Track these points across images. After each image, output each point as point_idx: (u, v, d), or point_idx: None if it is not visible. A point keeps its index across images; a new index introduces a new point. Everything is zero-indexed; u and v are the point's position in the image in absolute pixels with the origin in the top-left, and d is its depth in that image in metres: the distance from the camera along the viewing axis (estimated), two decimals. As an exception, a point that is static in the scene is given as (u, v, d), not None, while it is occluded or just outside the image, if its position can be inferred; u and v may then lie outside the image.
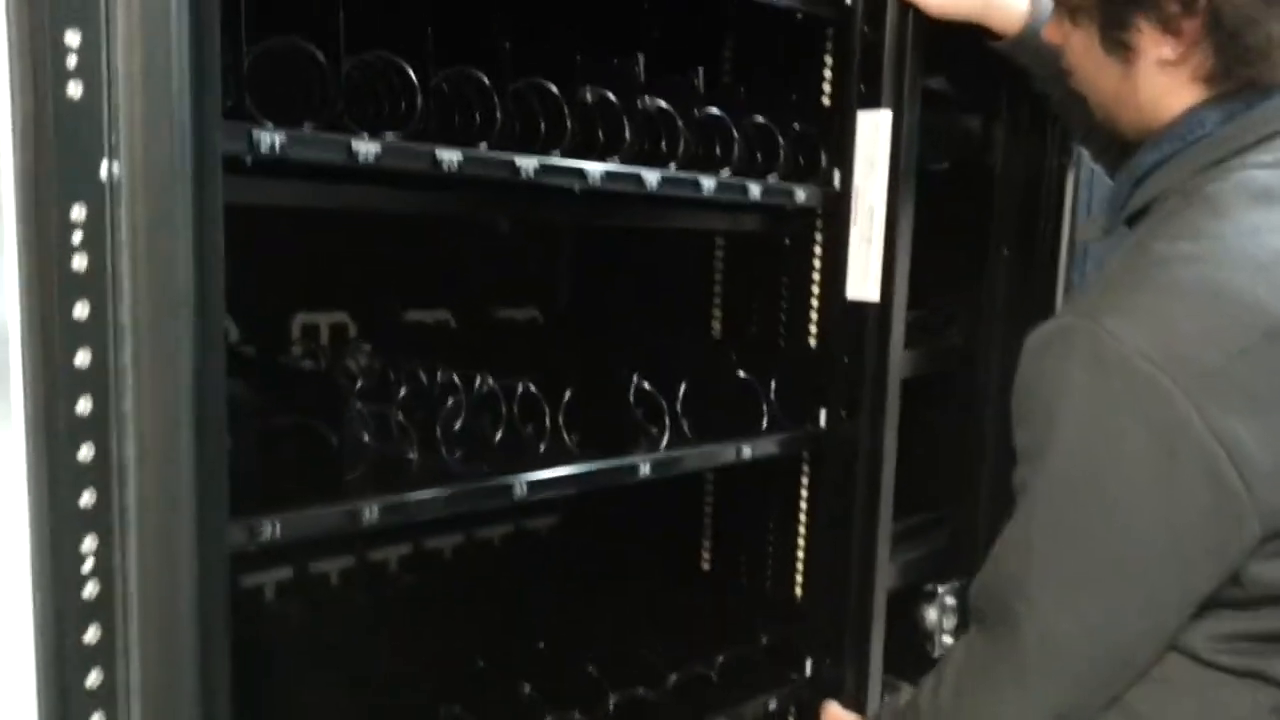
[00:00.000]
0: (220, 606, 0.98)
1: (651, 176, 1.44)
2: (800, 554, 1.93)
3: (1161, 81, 1.16)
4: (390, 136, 1.16)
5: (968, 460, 1.96)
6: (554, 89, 1.35)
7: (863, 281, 1.70)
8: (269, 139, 1.05)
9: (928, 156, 1.81)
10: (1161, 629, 1.07)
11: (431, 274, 2.02)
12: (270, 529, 1.12)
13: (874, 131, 1.67)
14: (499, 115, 1.27)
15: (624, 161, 1.41)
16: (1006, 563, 1.14)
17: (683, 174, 1.48)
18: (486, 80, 1.27)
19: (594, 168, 1.36)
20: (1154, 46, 1.13)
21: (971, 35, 1.78)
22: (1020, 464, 1.13)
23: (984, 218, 1.88)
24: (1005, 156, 1.86)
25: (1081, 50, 1.22)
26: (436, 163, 1.19)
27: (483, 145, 1.25)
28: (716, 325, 2.01)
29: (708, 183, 1.52)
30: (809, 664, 1.84)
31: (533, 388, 1.48)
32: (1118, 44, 1.16)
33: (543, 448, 1.44)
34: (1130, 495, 1.02)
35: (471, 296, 2.12)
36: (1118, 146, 1.47)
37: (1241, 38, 1.09)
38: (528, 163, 1.28)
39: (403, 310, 1.98)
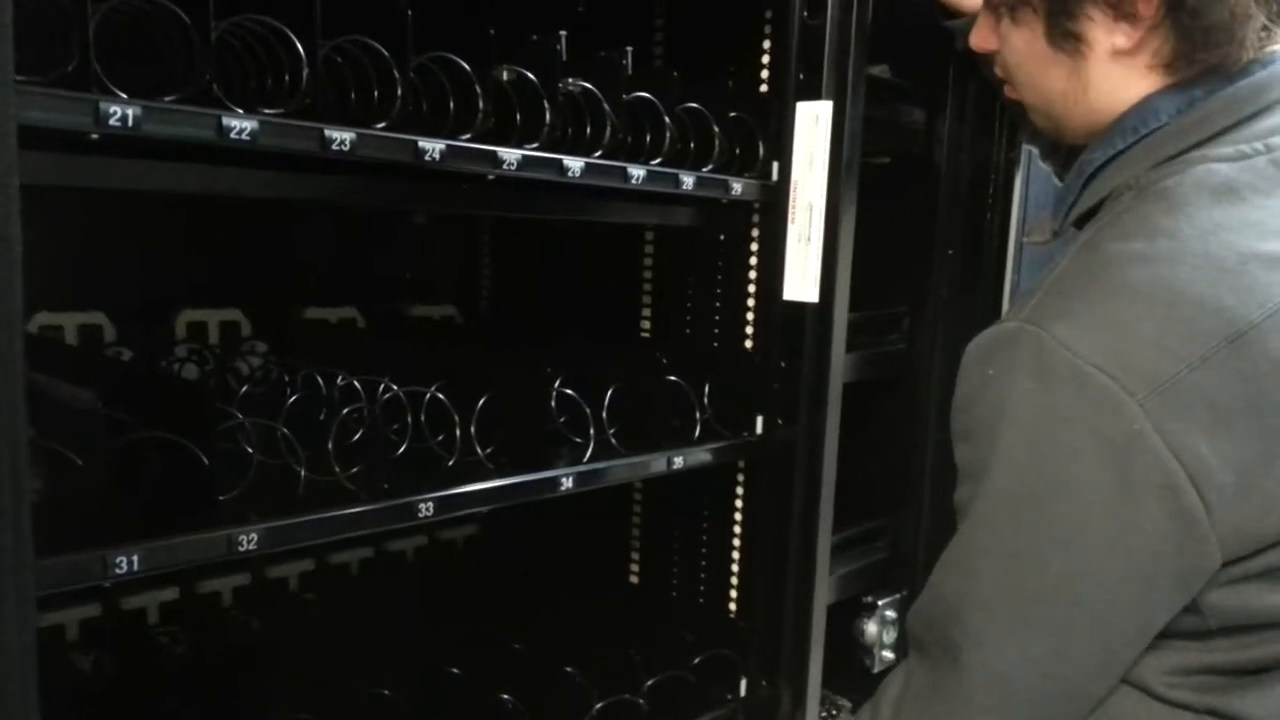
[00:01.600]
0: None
1: (574, 164, 1.30)
2: (735, 567, 1.82)
3: (1115, 73, 1.08)
4: (269, 112, 1.01)
5: (908, 468, 1.86)
6: (465, 65, 1.20)
7: (801, 281, 1.59)
8: (120, 112, 0.90)
9: (868, 150, 1.71)
10: (1114, 662, 0.98)
11: (337, 267, 1.87)
12: (127, 562, 0.97)
13: (813, 124, 1.56)
14: (400, 91, 1.13)
15: (543, 146, 1.28)
16: (946, 589, 1.04)
17: (609, 161, 1.35)
18: (385, 53, 1.13)
19: (509, 153, 1.22)
20: (1106, 35, 1.06)
21: (918, 19, 1.68)
22: (961, 482, 1.05)
23: (928, 216, 1.78)
24: (950, 152, 1.76)
25: (1023, 50, 1.14)
26: (325, 142, 1.05)
27: (380, 124, 1.11)
28: (646, 325, 1.89)
29: (636, 171, 1.39)
30: (744, 684, 1.73)
31: (441, 395, 1.34)
32: (1066, 35, 1.08)
33: (452, 461, 1.31)
34: (1080, 517, 0.93)
35: (382, 293, 1.97)
36: (1066, 146, 1.38)
37: (1203, 15, 1.01)
38: (433, 145, 1.14)
39: (303, 307, 1.82)
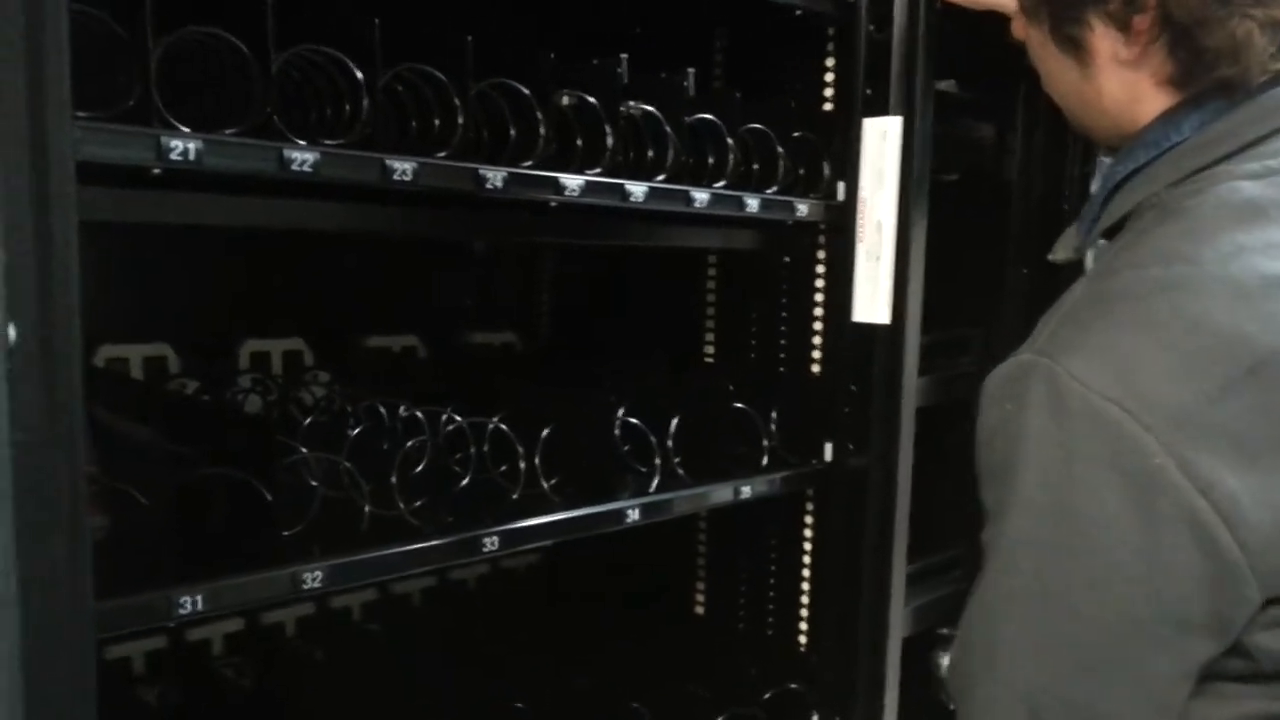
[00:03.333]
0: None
1: (637, 189, 1.28)
2: (805, 599, 1.77)
3: (1124, 82, 1.05)
4: (330, 143, 1.00)
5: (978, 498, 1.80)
6: (525, 90, 1.18)
7: (871, 302, 1.54)
8: (182, 146, 0.88)
9: (938, 167, 1.66)
10: (1160, 706, 0.92)
11: (397, 296, 1.86)
12: (191, 603, 0.95)
13: (881, 140, 1.52)
14: (460, 119, 1.11)
15: (605, 172, 1.25)
16: (974, 637, 0.99)
17: (672, 185, 1.32)
18: (445, 80, 1.11)
19: (571, 180, 1.20)
20: (1108, 44, 1.04)
21: (987, 32, 1.63)
22: (987, 524, 1.00)
23: (1000, 234, 1.72)
24: (1022, 167, 1.71)
25: (1039, 49, 1.13)
26: (387, 172, 1.03)
27: (441, 154, 1.09)
28: (710, 350, 1.85)
29: (700, 195, 1.36)
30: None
31: (504, 426, 1.31)
32: (1070, 41, 1.06)
33: (516, 494, 1.28)
34: (1106, 557, 0.89)
35: (442, 320, 1.96)
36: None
37: (1197, 38, 0.97)
38: (494, 174, 1.12)
39: (364, 336, 1.81)
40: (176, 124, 0.91)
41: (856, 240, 1.55)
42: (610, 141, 1.25)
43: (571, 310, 2.12)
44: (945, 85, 1.71)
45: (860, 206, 1.54)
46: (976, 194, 1.75)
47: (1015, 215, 1.71)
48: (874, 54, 1.51)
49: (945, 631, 1.80)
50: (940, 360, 1.71)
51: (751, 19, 1.66)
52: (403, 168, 1.05)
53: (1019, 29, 1.18)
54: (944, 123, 1.66)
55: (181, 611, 0.95)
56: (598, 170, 1.25)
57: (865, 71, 1.52)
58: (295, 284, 1.73)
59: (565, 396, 1.50)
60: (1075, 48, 1.06)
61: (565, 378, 1.76)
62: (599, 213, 1.32)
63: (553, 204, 1.19)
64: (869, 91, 1.52)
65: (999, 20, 1.59)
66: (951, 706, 1.77)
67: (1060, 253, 1.19)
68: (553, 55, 1.22)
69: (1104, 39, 1.03)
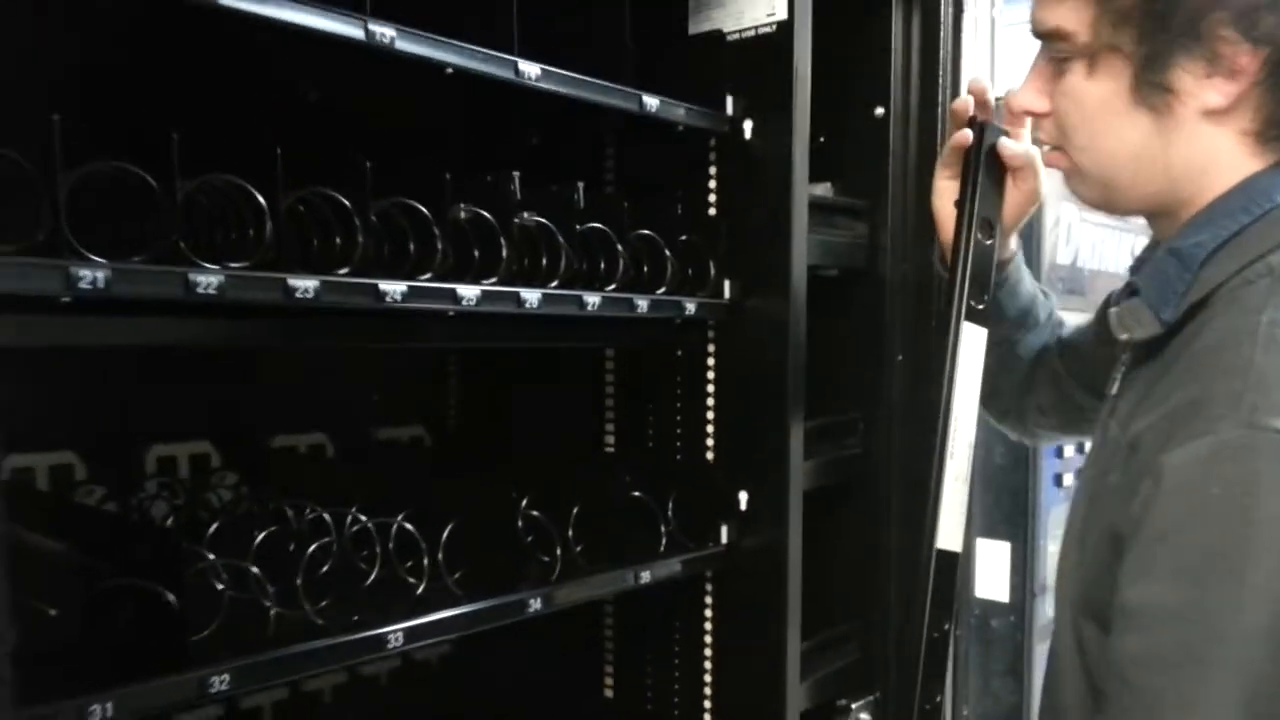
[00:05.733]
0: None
1: (531, 295, 1.36)
2: (708, 677, 1.83)
3: (1203, 136, 1.01)
4: (235, 265, 1.07)
5: (875, 571, 1.89)
6: (421, 208, 1.27)
7: (757, 394, 1.65)
8: (91, 275, 0.94)
9: (819, 264, 1.79)
10: None
11: (305, 396, 1.90)
12: (101, 710, 0.98)
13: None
14: (360, 237, 1.18)
15: (501, 281, 1.34)
16: None
17: (564, 291, 1.41)
18: (346, 202, 1.19)
19: (468, 290, 1.28)
20: (1199, 90, 0.98)
21: (859, 141, 1.78)
22: (1151, 627, 0.91)
23: (877, 324, 1.85)
24: (893, 262, 1.84)
25: (1095, 104, 1.04)
26: (289, 291, 1.10)
27: (342, 270, 1.16)
28: (611, 442, 1.93)
29: (591, 299, 1.45)
30: (721, 798, 1.73)
31: (409, 525, 1.37)
32: (1154, 88, 0.99)
33: (421, 589, 1.33)
34: None
35: (349, 417, 2.00)
36: (1031, 412, 1.44)
37: None
38: (394, 287, 1.19)
39: (271, 435, 1.85)
40: (86, 254, 0.96)
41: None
42: (505, 252, 1.34)
43: (479, 404, 2.19)
44: (822, 189, 1.84)
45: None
46: (855, 288, 1.88)
47: (888, 306, 1.84)
48: (752, 162, 1.64)
49: (843, 703, 1.88)
50: (826, 445, 1.81)
51: (638, 134, 1.77)
52: (305, 286, 1.11)
53: (1033, 100, 1.10)
54: (822, 224, 1.79)
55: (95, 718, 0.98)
56: (494, 280, 1.33)
57: (744, 177, 1.65)
58: (201, 387, 1.77)
59: (470, 490, 1.55)
60: (1160, 97, 0.99)
61: (472, 471, 1.81)
62: (500, 318, 1.39)
63: (451, 313, 1.26)
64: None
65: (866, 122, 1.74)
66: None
67: (1140, 330, 1.07)
68: (448, 175, 1.30)
69: (1194, 84, 0.98)
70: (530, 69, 1.36)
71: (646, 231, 1.57)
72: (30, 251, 0.94)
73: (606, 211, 1.54)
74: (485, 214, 1.34)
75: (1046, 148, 1.16)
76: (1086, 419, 1.37)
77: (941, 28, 1.82)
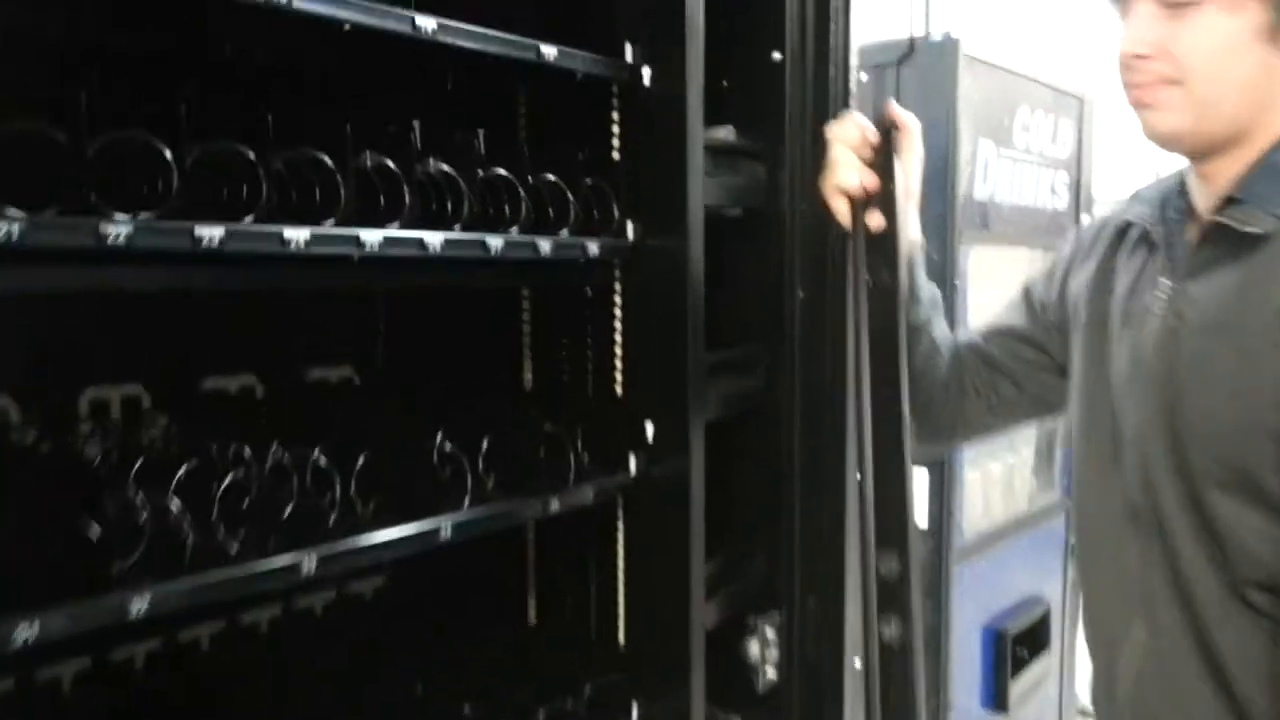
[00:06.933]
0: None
1: (434, 239, 1.44)
2: (621, 600, 1.95)
3: None
4: (144, 216, 1.13)
5: (775, 496, 2.01)
6: (325, 158, 1.34)
7: (662, 329, 1.75)
8: (4, 229, 1.01)
9: (721, 205, 1.88)
10: None
11: (234, 339, 1.96)
12: (27, 629, 1.07)
13: (666, 182, 1.73)
14: (264, 187, 1.25)
15: (405, 225, 1.41)
16: None
17: (467, 235, 1.49)
18: (250, 154, 1.26)
19: (371, 235, 1.35)
20: None
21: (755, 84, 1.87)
22: None
23: (778, 261, 1.94)
24: (792, 202, 1.93)
25: (1226, 38, 1.22)
26: (196, 240, 1.17)
27: (248, 219, 1.23)
28: (529, 380, 2.02)
29: (495, 242, 1.53)
30: (635, 709, 1.85)
31: (324, 457, 1.45)
32: None
33: (333, 519, 1.42)
34: None
35: (280, 359, 2.07)
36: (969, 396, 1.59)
37: None
38: (298, 234, 1.27)
39: (203, 377, 1.92)
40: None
41: (648, 274, 1.76)
42: (408, 198, 1.42)
43: (406, 346, 2.26)
44: (724, 132, 1.93)
45: (651, 241, 1.75)
46: (757, 228, 1.97)
47: (788, 244, 1.94)
48: (651, 108, 1.72)
49: (750, 621, 2.01)
50: (729, 377, 1.91)
51: (541, 84, 1.84)
52: (211, 234, 1.19)
53: (1147, 38, 1.25)
54: (723, 167, 1.88)
55: (21, 638, 1.07)
56: (397, 224, 1.41)
57: (644, 123, 1.73)
58: (134, 332, 1.82)
59: (389, 426, 1.64)
60: None
61: (395, 409, 1.90)
62: (406, 261, 1.47)
63: (355, 258, 1.34)
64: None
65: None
66: (760, 683, 1.98)
67: (1254, 224, 1.25)
68: (349, 127, 1.37)
69: None
70: (427, 23, 1.43)
71: (550, 176, 1.65)
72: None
73: (510, 158, 1.61)
74: (388, 162, 1.41)
75: (1137, 91, 1.30)
76: (1023, 397, 1.56)
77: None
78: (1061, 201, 3.74)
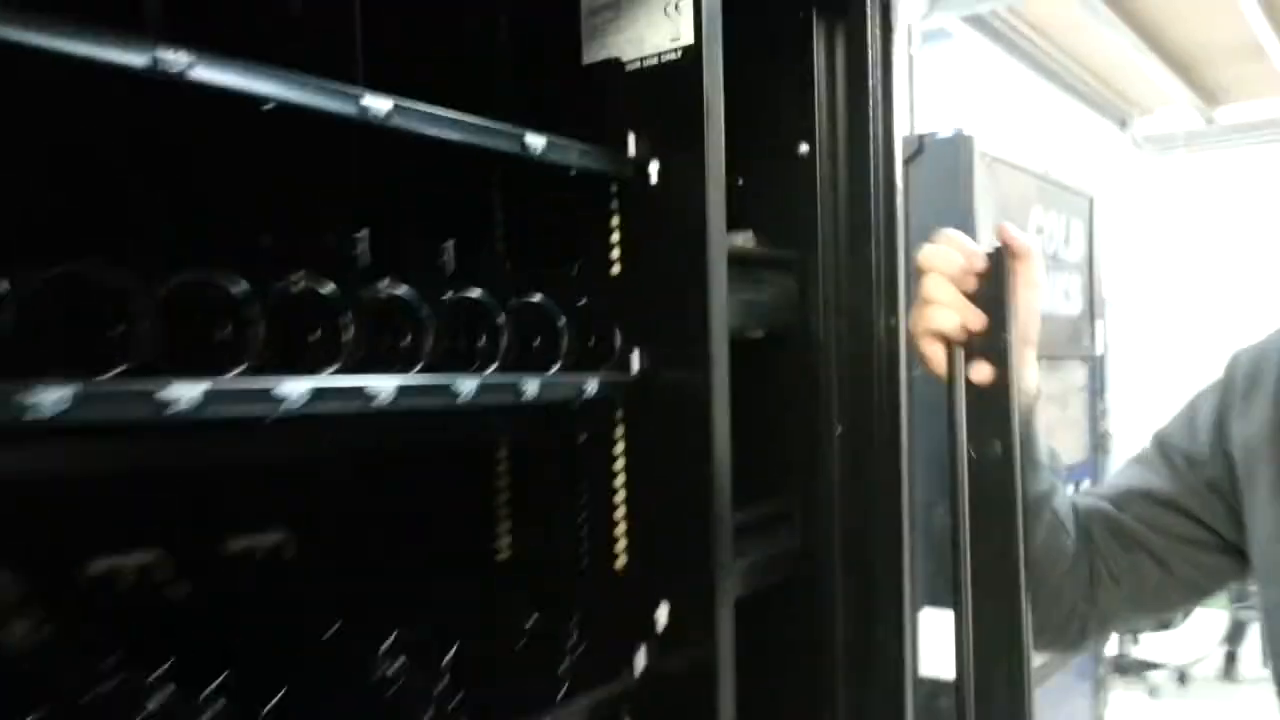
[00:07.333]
0: None
1: (383, 386, 1.07)
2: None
3: None
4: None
5: (819, 682, 1.62)
6: (231, 284, 0.97)
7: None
8: None
9: (742, 325, 1.53)
10: None
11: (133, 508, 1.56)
12: None
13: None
14: (141, 324, 0.88)
15: (343, 370, 1.04)
16: None
17: (428, 378, 1.12)
18: (126, 282, 0.88)
19: (292, 386, 0.98)
20: None
21: (784, 189, 1.54)
22: None
23: (812, 393, 1.59)
24: (827, 320, 1.59)
25: None
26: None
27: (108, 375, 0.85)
28: (505, 547, 1.63)
29: (466, 385, 1.16)
30: None
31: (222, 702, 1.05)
32: None
33: None
34: None
35: (192, 528, 1.66)
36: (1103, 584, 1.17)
37: None
38: (184, 391, 0.89)
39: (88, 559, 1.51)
40: None
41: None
42: (347, 335, 1.05)
43: (353, 509, 1.85)
44: (742, 238, 1.59)
45: (659, 379, 1.38)
46: (785, 351, 1.62)
47: (824, 371, 1.58)
48: (660, 210, 1.38)
49: None
50: (758, 541, 1.54)
51: (528, 180, 1.50)
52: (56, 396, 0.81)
53: None
54: (745, 280, 1.54)
55: None
56: (334, 369, 1.03)
57: (651, 228, 1.39)
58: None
59: (323, 626, 1.25)
60: None
61: (336, 597, 1.49)
62: (342, 420, 1.09)
63: (268, 420, 0.96)
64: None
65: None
66: None
67: None
68: (270, 241, 1.00)
69: None
70: (379, 104, 1.09)
71: (536, 298, 1.30)
72: None
73: (486, 274, 1.26)
74: (319, 287, 1.05)
75: None
76: (1171, 580, 1.16)
77: (869, 50, 1.58)
78: (1075, 306, 3.46)
